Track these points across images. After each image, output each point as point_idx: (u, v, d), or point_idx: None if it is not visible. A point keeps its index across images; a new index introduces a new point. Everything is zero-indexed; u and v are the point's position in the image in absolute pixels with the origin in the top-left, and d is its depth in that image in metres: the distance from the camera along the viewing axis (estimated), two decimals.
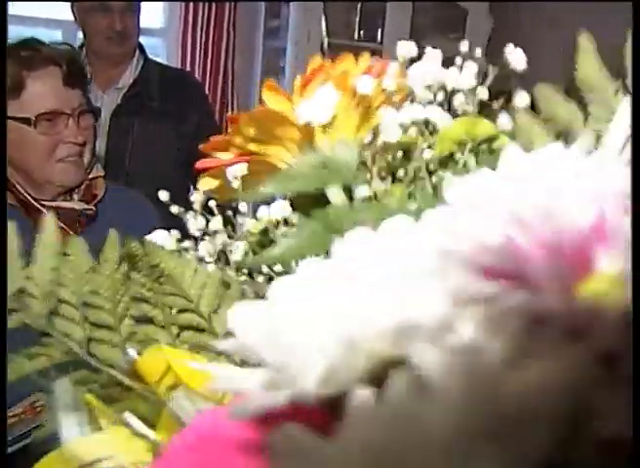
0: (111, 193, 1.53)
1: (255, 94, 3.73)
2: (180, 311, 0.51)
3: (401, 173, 0.51)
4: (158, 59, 2.74)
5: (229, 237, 0.56)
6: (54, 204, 1.42)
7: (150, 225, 1.68)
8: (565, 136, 0.51)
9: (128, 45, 2.39)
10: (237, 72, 3.65)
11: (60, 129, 1.42)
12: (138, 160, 2.24)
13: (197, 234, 0.58)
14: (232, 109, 3.63)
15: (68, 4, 2.41)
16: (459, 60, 0.56)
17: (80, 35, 2.45)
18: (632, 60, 0.50)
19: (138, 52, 2.45)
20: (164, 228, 0.58)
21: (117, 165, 2.17)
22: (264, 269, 0.53)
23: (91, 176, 1.49)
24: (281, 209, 0.53)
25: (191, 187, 2.20)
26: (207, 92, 3.24)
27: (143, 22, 3.54)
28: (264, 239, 0.56)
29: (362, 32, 3.53)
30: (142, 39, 3.56)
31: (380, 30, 3.51)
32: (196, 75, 3.50)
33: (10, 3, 1.68)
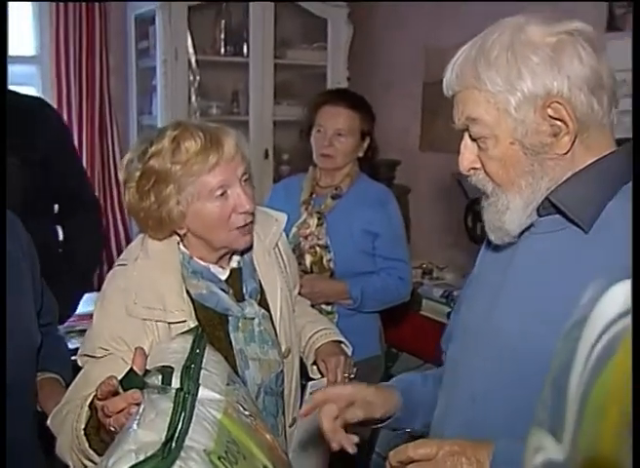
0: None
1: (132, 112, 3.86)
2: None
3: None
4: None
5: None
6: None
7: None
8: None
9: None
10: (113, 93, 3.77)
11: None
12: None
13: None
14: (112, 128, 3.74)
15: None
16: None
17: None
18: (632, 61, 0.63)
19: None
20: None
21: None
22: None
23: None
24: None
25: (55, 207, 2.27)
26: (63, 117, 3.19)
27: (16, 51, 3.64)
28: None
29: (228, 48, 3.71)
30: (16, 67, 3.66)
31: (245, 44, 3.70)
32: (73, 98, 3.61)
33: None
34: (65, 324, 2.79)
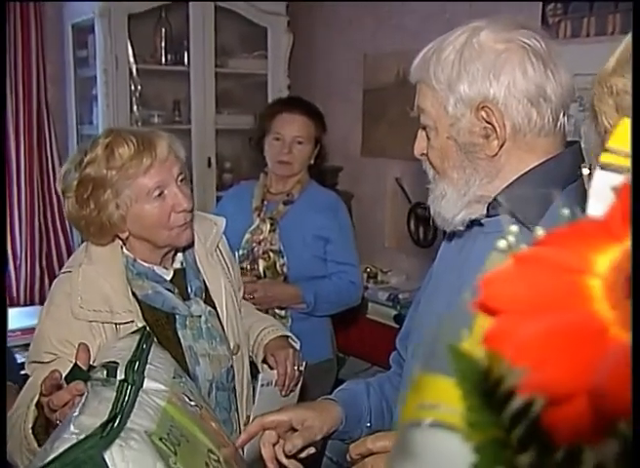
0: None
1: (71, 122, 3.81)
2: None
3: None
4: None
5: None
6: None
7: None
8: None
9: None
10: (52, 102, 3.72)
11: None
12: None
13: None
14: (50, 138, 3.68)
15: None
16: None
17: None
18: (633, 61, 0.64)
19: None
20: None
21: None
22: None
23: None
24: None
25: None
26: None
27: None
28: None
29: (169, 56, 3.69)
30: None
31: (186, 53, 3.70)
32: (10, 107, 3.54)
33: None
34: (10, 338, 2.75)
